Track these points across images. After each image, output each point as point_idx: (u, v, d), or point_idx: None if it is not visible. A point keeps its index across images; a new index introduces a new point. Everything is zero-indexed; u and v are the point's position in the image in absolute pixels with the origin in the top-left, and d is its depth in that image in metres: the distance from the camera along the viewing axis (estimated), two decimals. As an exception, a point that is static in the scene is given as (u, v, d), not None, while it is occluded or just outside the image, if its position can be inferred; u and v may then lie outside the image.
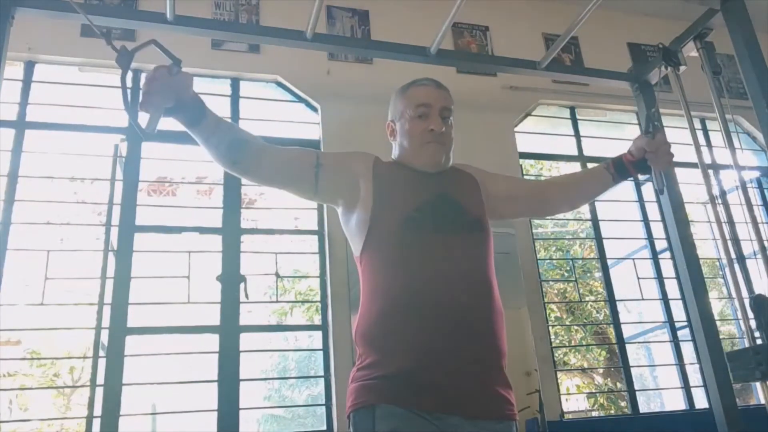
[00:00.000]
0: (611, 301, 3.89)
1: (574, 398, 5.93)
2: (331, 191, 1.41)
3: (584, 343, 6.12)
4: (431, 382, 1.19)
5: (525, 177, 4.07)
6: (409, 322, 1.23)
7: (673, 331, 3.92)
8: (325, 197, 1.46)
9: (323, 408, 3.19)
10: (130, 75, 1.32)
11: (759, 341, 2.15)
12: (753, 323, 2.19)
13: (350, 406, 1.24)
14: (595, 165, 1.57)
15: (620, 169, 1.50)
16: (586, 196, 1.60)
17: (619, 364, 3.81)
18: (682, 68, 2.74)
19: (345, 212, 1.41)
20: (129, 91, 1.20)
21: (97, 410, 2.72)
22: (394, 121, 1.48)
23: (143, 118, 1.10)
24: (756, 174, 4.61)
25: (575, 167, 4.27)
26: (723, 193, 2.55)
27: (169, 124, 1.18)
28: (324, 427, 3.12)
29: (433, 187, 1.39)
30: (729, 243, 2.42)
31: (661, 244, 4.10)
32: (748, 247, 2.95)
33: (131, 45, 1.12)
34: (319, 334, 3.37)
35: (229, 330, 3.10)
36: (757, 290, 2.23)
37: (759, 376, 2.08)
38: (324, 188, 1.39)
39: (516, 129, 4.12)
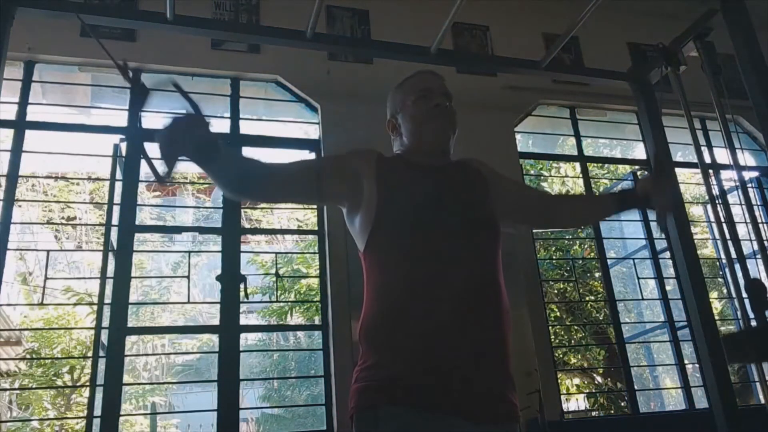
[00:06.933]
0: (611, 301, 3.88)
1: (574, 398, 5.93)
2: (335, 196, 1.40)
3: (584, 342, 6.13)
4: (436, 384, 1.17)
5: (525, 176, 4.07)
6: (413, 323, 1.21)
7: (673, 331, 3.91)
8: (329, 202, 1.48)
9: (323, 408, 3.18)
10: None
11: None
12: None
13: (353, 407, 1.21)
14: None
15: (626, 200, 1.48)
16: (592, 215, 1.66)
17: (619, 364, 3.81)
18: (682, 68, 2.74)
19: (350, 212, 1.39)
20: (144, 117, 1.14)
21: (97, 410, 2.72)
22: (395, 115, 1.47)
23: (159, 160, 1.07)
24: (756, 174, 4.61)
25: (575, 167, 4.26)
26: (723, 193, 2.54)
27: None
28: (324, 427, 3.11)
29: (438, 183, 1.36)
30: (729, 243, 2.41)
31: (661, 244, 4.10)
32: (748, 247, 2.96)
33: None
34: (319, 333, 3.37)
35: (229, 330, 3.10)
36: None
37: (755, 357, 2.12)
38: (328, 194, 1.39)
39: (516, 129, 4.11)
